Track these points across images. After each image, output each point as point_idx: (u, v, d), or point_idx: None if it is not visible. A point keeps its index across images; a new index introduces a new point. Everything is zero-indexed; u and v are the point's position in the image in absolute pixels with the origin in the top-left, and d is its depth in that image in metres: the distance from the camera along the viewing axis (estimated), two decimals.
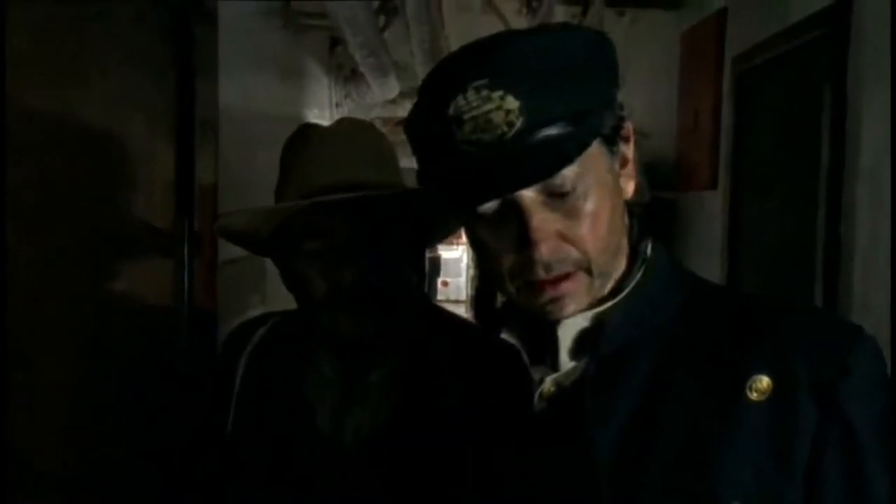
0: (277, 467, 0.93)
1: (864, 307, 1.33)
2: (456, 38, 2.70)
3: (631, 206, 0.66)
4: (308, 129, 0.97)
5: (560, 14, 2.63)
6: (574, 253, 0.60)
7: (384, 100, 3.30)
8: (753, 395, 0.58)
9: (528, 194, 0.58)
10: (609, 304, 0.63)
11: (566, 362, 0.64)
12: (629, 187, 0.64)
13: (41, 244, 0.93)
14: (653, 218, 0.67)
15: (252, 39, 2.49)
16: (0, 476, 0.80)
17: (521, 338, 0.68)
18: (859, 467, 0.56)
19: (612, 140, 0.62)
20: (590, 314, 0.63)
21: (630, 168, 0.64)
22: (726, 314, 0.63)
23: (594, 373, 0.63)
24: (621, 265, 0.65)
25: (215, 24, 1.39)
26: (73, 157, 1.00)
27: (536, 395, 0.65)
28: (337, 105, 3.02)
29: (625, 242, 0.65)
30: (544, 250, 0.58)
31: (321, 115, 2.83)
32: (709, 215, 2.16)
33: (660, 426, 0.60)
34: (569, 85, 0.57)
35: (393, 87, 3.13)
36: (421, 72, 2.97)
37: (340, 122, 0.99)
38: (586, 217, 0.59)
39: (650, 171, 0.68)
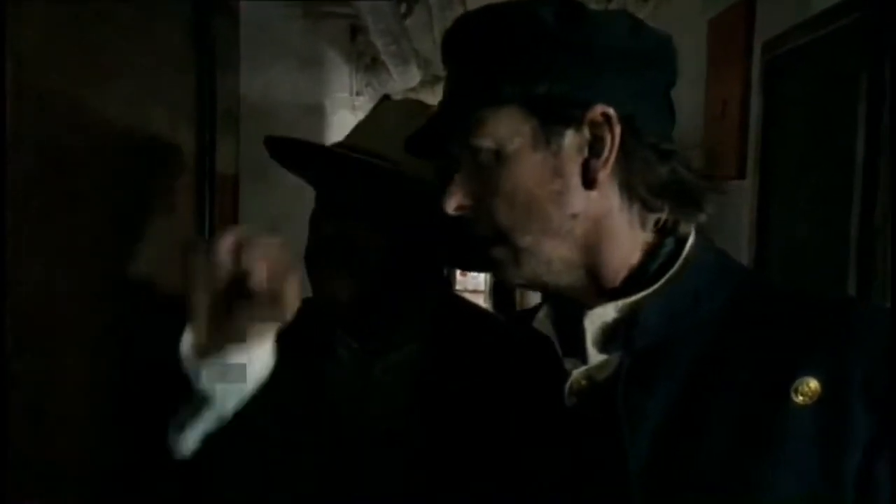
0: (294, 455, 0.93)
1: None
2: None
3: (648, 199, 0.63)
4: (379, 102, 1.04)
5: (586, 0, 2.58)
6: (488, 220, 0.62)
7: (405, 88, 3.28)
8: (799, 399, 0.55)
9: (461, 156, 0.64)
10: (639, 295, 0.61)
11: (594, 354, 0.62)
12: (600, 174, 0.61)
13: (62, 236, 0.93)
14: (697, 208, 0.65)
15: (273, 28, 2.48)
16: (2, 471, 0.81)
17: (556, 327, 0.66)
18: None
19: (549, 118, 0.60)
20: (617, 304, 0.61)
21: (607, 155, 0.61)
22: (774, 311, 0.60)
23: (628, 368, 0.61)
24: (573, 253, 0.62)
25: (237, 15, 1.39)
26: (93, 149, 0.99)
27: (566, 388, 0.63)
28: (358, 93, 3.00)
29: (589, 229, 0.62)
30: (450, 203, 0.63)
31: (342, 103, 2.82)
32: (736, 206, 2.12)
33: (697, 429, 0.57)
34: (486, 57, 0.62)
35: (414, 76, 3.10)
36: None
37: (404, 102, 1.02)
38: (499, 187, 0.61)
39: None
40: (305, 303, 1.03)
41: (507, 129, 0.61)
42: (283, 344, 1.01)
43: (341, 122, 2.63)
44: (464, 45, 0.65)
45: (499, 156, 0.61)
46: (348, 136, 0.96)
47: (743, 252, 2.00)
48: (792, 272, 1.76)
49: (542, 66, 0.60)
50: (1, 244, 0.78)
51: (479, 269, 1.02)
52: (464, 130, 0.63)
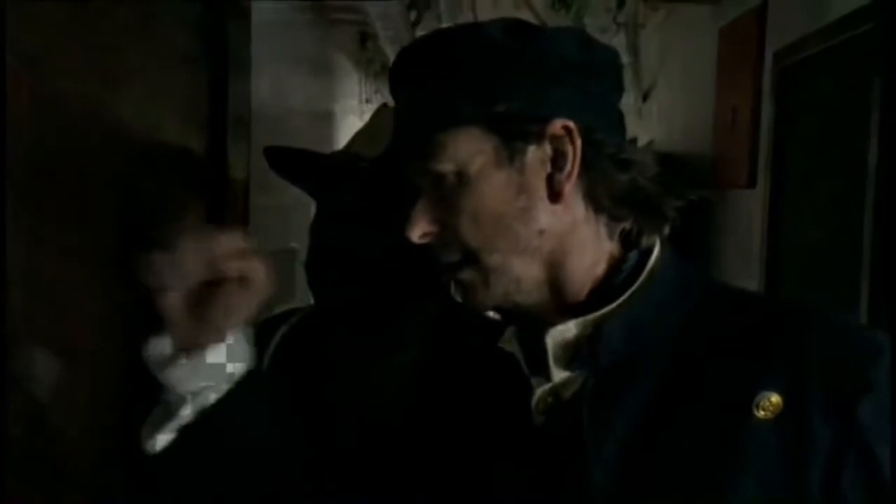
0: (295, 461, 0.94)
1: None
2: None
3: (612, 210, 0.62)
4: (377, 109, 1.02)
5: (595, 8, 2.59)
6: (455, 243, 0.62)
7: None
8: (761, 414, 0.54)
9: (421, 180, 0.64)
10: (601, 311, 0.60)
11: (557, 372, 0.61)
12: (565, 187, 0.60)
13: (69, 239, 0.93)
14: (684, 217, 0.64)
15: (284, 35, 2.50)
16: (2, 468, 0.81)
17: (521, 345, 0.66)
18: (880, 491, 0.52)
19: (510, 136, 0.60)
20: (578, 321, 0.61)
21: (570, 168, 0.60)
22: (737, 323, 0.60)
23: (593, 385, 0.60)
24: (540, 270, 0.62)
25: (248, 19, 1.39)
26: (103, 152, 1.00)
27: (533, 406, 0.63)
28: (367, 100, 3.02)
29: (555, 245, 0.62)
30: (415, 231, 0.64)
31: (351, 110, 2.83)
32: (746, 215, 2.11)
33: (662, 445, 0.57)
34: (440, 80, 0.62)
35: None
36: None
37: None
38: (463, 208, 0.61)
39: (684, 168, 0.65)
40: (311, 312, 1.04)
41: (468, 150, 0.61)
42: (286, 347, 1.01)
43: (350, 129, 2.64)
44: (416, 69, 0.65)
45: (462, 177, 0.61)
46: (347, 145, 0.97)
47: (754, 259, 1.99)
48: (803, 279, 1.75)
49: (498, 84, 0.60)
50: (2, 245, 0.79)
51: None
52: (422, 156, 0.62)
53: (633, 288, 0.61)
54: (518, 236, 0.61)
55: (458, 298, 0.66)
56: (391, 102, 0.90)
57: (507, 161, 0.60)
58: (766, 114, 1.98)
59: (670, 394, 0.58)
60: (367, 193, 0.89)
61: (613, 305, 0.61)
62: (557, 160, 0.60)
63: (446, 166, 0.61)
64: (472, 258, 0.62)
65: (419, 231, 0.64)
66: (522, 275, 0.62)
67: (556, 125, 0.59)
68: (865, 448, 0.53)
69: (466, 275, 0.63)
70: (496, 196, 0.61)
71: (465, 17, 2.43)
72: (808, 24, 1.74)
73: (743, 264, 2.06)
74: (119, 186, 1.03)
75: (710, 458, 0.55)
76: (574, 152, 0.60)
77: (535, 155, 0.60)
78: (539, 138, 0.60)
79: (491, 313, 0.73)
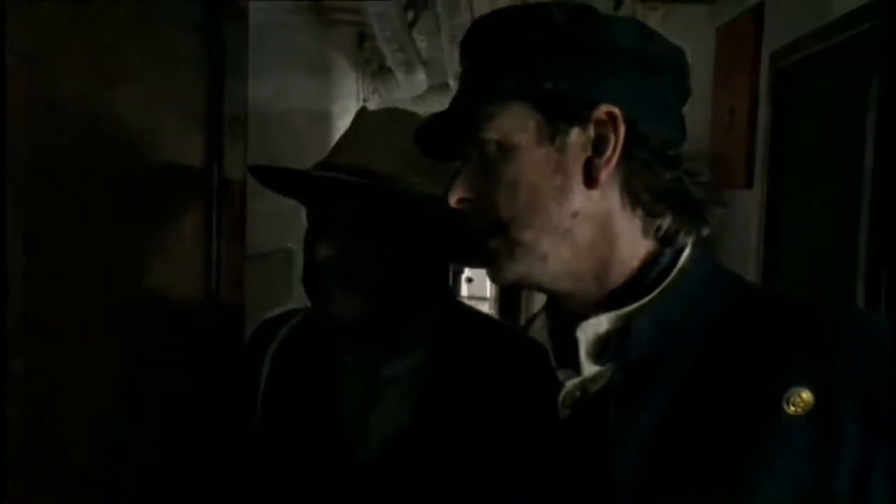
0: (300, 463, 0.93)
1: None
2: None
3: (649, 205, 0.62)
4: (358, 113, 1.00)
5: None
6: (489, 213, 0.62)
7: (412, 95, 3.29)
8: (791, 410, 0.54)
9: (468, 149, 0.65)
10: (632, 306, 0.61)
11: (588, 366, 0.61)
12: (602, 174, 0.60)
13: (69, 236, 0.93)
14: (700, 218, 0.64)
15: (282, 35, 2.49)
16: (2, 467, 0.81)
17: (552, 337, 0.66)
18: None
19: (555, 115, 0.61)
20: (611, 315, 0.61)
21: (609, 155, 0.60)
22: (767, 321, 0.59)
23: (621, 380, 0.60)
24: (572, 255, 0.62)
25: (246, 20, 1.39)
26: (100, 152, 1.00)
27: (560, 399, 0.63)
28: (365, 100, 3.02)
29: (589, 231, 0.61)
30: (453, 197, 0.64)
31: (349, 110, 2.83)
32: (744, 215, 2.11)
33: (688, 440, 0.57)
34: (496, 53, 0.63)
35: (421, 83, 3.11)
36: (449, 67, 2.95)
37: (385, 111, 1.00)
38: (501, 180, 0.62)
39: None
40: (309, 309, 1.03)
41: (513, 124, 0.61)
42: (287, 347, 1.01)
43: None
44: (477, 43, 0.66)
45: (503, 149, 0.62)
46: (331, 153, 0.95)
47: (751, 260, 1.99)
48: (800, 280, 1.75)
49: (550, 62, 0.61)
50: (2, 247, 0.78)
51: (475, 263, 1.01)
52: (471, 125, 0.64)
53: (663, 285, 0.61)
54: (551, 215, 0.61)
55: (483, 267, 0.66)
56: (388, 102, 0.89)
57: (548, 139, 0.61)
58: (763, 114, 1.98)
59: (698, 390, 0.58)
60: (353, 207, 0.88)
61: (644, 301, 0.61)
62: (598, 145, 0.60)
63: (490, 137, 0.62)
64: (502, 230, 0.62)
65: (457, 196, 0.65)
66: (550, 254, 0.62)
67: (602, 110, 0.60)
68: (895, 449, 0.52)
69: (494, 244, 0.63)
70: (534, 172, 0.61)
71: (462, 18, 2.42)
72: (805, 24, 1.74)
73: (740, 265, 2.06)
74: (118, 186, 1.03)
75: (736, 454, 0.55)
76: (616, 140, 0.60)
77: (578, 138, 0.61)
78: (583, 121, 0.60)
79: (490, 310, 0.73)
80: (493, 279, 0.65)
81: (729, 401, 0.57)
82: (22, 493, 0.83)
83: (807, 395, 0.54)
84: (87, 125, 0.95)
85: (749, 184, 2.05)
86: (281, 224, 1.92)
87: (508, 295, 7.35)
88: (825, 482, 0.53)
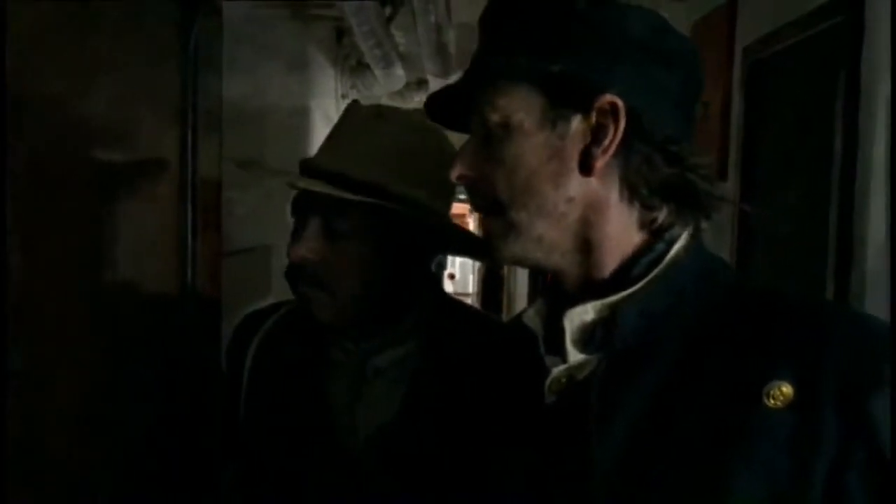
0: (287, 456, 0.93)
1: (876, 305, 1.31)
2: (462, 29, 2.67)
3: (646, 199, 0.63)
4: (347, 109, 0.99)
5: None
6: (487, 192, 0.63)
7: (390, 91, 3.28)
8: (771, 402, 0.54)
9: (474, 125, 0.66)
10: (618, 296, 0.61)
11: (573, 353, 0.62)
12: (598, 163, 0.61)
13: (45, 232, 0.92)
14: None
15: (260, 30, 2.48)
16: (1, 466, 0.80)
17: (544, 324, 0.66)
18: (888, 497, 0.52)
19: (559, 99, 0.61)
20: (597, 304, 0.61)
21: (606, 145, 0.61)
22: (756, 315, 0.60)
23: (604, 369, 0.61)
24: (566, 237, 0.63)
25: (220, 15, 1.39)
26: (76, 147, 0.99)
27: (546, 385, 0.63)
28: (343, 96, 3.00)
29: (585, 216, 0.62)
30: (455, 172, 0.65)
31: (327, 105, 2.81)
32: (717, 208, 2.14)
33: (669, 429, 0.57)
34: (509, 32, 0.64)
35: (399, 79, 3.11)
36: (427, 63, 2.95)
37: (374, 109, 0.99)
38: (501, 160, 0.62)
39: None
40: (293, 302, 1.03)
41: (516, 105, 0.62)
42: (271, 339, 1.01)
43: (326, 123, 2.63)
44: (493, 19, 0.66)
45: (506, 129, 0.62)
46: (317, 154, 0.94)
47: (725, 251, 2.02)
48: (773, 271, 1.78)
49: (558, 44, 0.61)
50: (3, 245, 0.78)
51: (460, 253, 1.01)
52: (479, 101, 0.64)
53: (651, 275, 0.62)
54: (546, 198, 0.62)
55: (483, 244, 0.67)
56: (370, 98, 0.88)
57: (550, 124, 0.61)
58: (737, 108, 2.00)
59: (681, 379, 0.59)
60: (330, 214, 0.88)
61: (631, 290, 0.61)
62: (598, 134, 0.61)
63: (494, 115, 0.63)
64: (500, 210, 0.63)
65: (457, 172, 0.66)
66: (545, 236, 0.63)
67: (605, 99, 0.60)
68: (874, 444, 0.52)
69: (491, 224, 0.65)
70: (532, 155, 0.62)
71: (440, 12, 2.42)
72: (778, 18, 1.77)
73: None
74: (94, 181, 1.02)
75: (716, 445, 0.55)
76: (615, 130, 0.60)
77: (579, 125, 0.61)
78: (585, 108, 0.60)
79: (475, 302, 0.74)
80: (491, 258, 0.66)
81: (711, 391, 0.57)
82: (22, 492, 0.82)
83: (787, 388, 0.54)
84: (62, 121, 0.95)
85: (723, 176, 2.07)
86: (259, 220, 1.92)
87: (491, 290, 7.37)
88: (803, 473, 0.53)
